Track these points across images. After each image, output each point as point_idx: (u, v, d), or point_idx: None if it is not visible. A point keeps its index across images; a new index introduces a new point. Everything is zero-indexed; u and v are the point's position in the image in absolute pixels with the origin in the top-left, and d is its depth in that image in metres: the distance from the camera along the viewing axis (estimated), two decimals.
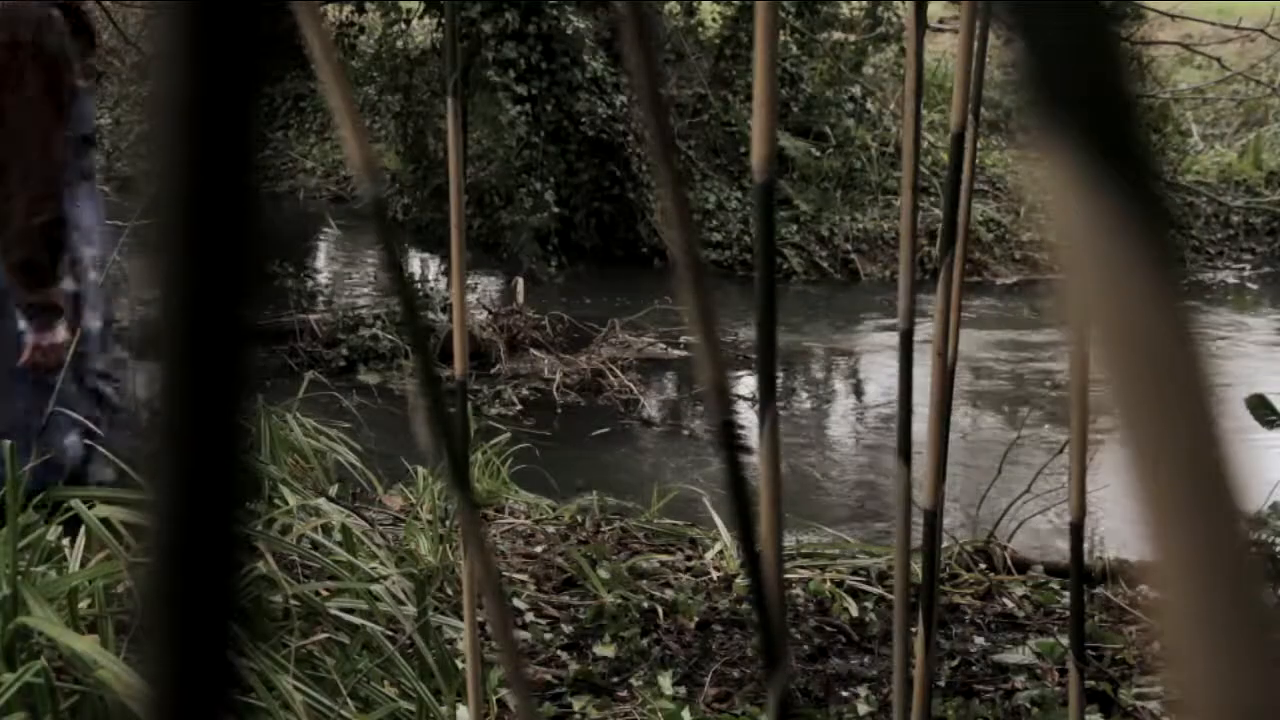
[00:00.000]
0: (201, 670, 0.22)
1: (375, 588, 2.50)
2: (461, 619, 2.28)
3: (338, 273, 10.11)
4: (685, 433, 6.76)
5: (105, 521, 2.22)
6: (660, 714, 2.95)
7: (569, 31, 9.54)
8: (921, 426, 1.12)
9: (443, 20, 8.76)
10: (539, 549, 3.99)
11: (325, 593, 2.49)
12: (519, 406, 6.93)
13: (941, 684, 3.13)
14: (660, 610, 3.49)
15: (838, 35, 11.28)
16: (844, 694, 3.15)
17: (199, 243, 0.22)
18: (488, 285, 9.40)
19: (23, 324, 2.85)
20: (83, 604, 2.14)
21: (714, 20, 11.56)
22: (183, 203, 0.22)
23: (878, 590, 3.66)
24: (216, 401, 0.22)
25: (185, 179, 0.22)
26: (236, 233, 0.22)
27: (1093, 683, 2.99)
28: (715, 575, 3.81)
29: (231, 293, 0.22)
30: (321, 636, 2.30)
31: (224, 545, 0.22)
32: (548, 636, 3.38)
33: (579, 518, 4.30)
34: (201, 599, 0.22)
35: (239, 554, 0.22)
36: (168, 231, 0.22)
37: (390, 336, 7.37)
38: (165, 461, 0.22)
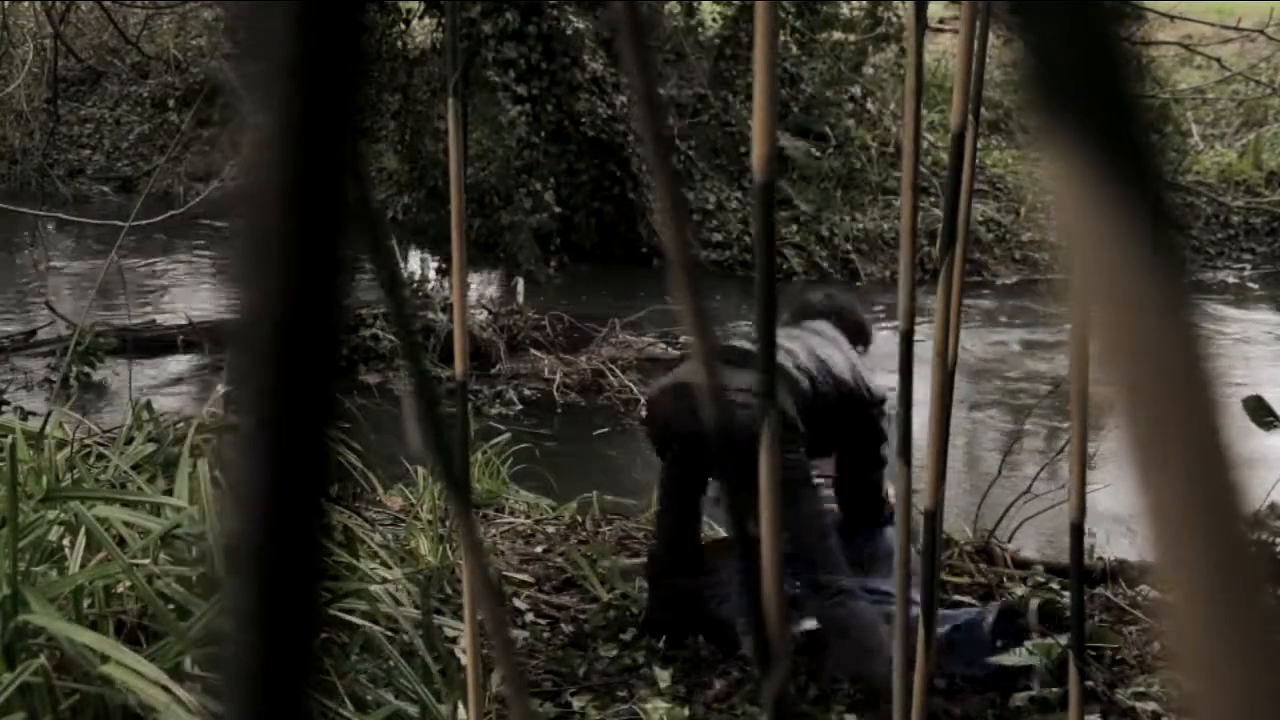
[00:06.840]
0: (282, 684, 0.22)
1: (375, 588, 2.50)
2: (461, 619, 2.28)
3: None
4: None
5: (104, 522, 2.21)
6: (660, 713, 2.95)
7: (569, 32, 9.53)
8: (921, 426, 1.12)
9: (443, 20, 8.76)
10: (539, 549, 3.99)
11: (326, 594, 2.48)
12: (519, 406, 6.93)
13: (942, 684, 3.12)
14: None
15: (838, 35, 11.28)
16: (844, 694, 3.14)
17: (296, 245, 0.21)
18: (488, 285, 9.40)
19: None
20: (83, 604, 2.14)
21: (714, 20, 11.56)
22: (281, 208, 0.21)
23: None
24: (306, 403, 0.22)
25: (284, 179, 0.21)
26: (330, 235, 0.22)
27: (1092, 683, 2.98)
28: None
29: (325, 295, 0.22)
30: (320, 636, 2.30)
31: (308, 550, 0.22)
32: (546, 635, 3.38)
33: (579, 517, 4.30)
34: (284, 615, 0.22)
35: (322, 560, 0.22)
36: (262, 237, 0.21)
37: (390, 337, 7.36)
38: (254, 460, 0.22)
